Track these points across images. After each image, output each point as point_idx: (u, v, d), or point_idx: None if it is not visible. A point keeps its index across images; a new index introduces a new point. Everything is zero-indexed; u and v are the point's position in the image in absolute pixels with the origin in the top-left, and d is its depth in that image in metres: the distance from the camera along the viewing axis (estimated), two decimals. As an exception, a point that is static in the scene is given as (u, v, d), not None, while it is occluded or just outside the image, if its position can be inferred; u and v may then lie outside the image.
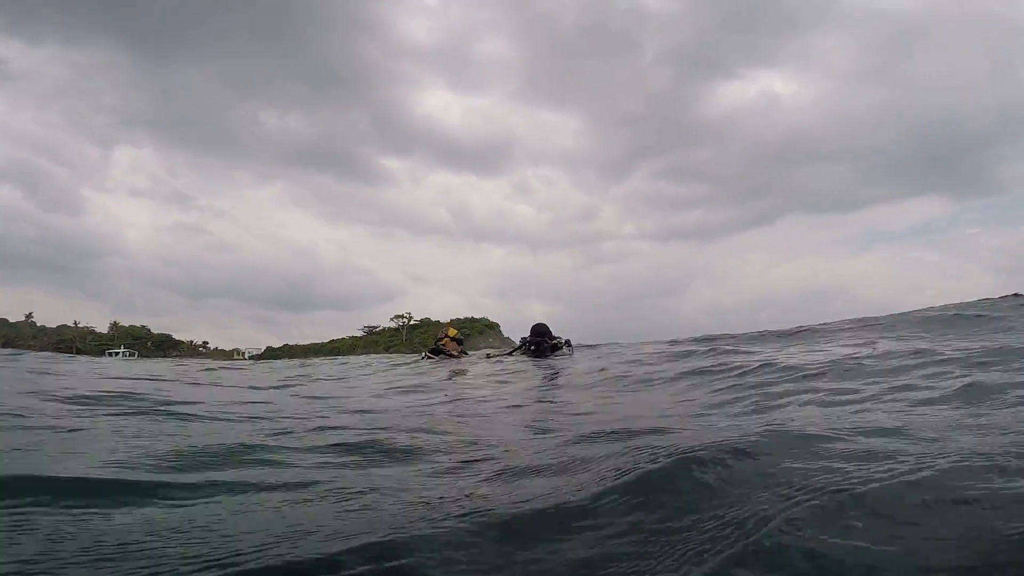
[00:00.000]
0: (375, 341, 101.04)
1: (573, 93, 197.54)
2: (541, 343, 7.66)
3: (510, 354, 8.06)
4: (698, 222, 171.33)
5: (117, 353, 75.97)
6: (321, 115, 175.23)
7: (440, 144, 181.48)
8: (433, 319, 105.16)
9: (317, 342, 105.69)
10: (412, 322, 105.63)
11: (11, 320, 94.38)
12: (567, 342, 7.89)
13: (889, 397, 2.63)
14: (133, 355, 76.07)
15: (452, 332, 8.22)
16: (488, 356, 8.38)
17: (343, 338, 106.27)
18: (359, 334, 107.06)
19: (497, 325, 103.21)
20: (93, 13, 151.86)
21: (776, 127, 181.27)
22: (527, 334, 8.09)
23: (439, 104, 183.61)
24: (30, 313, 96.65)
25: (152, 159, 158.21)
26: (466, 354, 8.37)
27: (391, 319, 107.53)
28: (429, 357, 8.04)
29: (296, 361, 12.62)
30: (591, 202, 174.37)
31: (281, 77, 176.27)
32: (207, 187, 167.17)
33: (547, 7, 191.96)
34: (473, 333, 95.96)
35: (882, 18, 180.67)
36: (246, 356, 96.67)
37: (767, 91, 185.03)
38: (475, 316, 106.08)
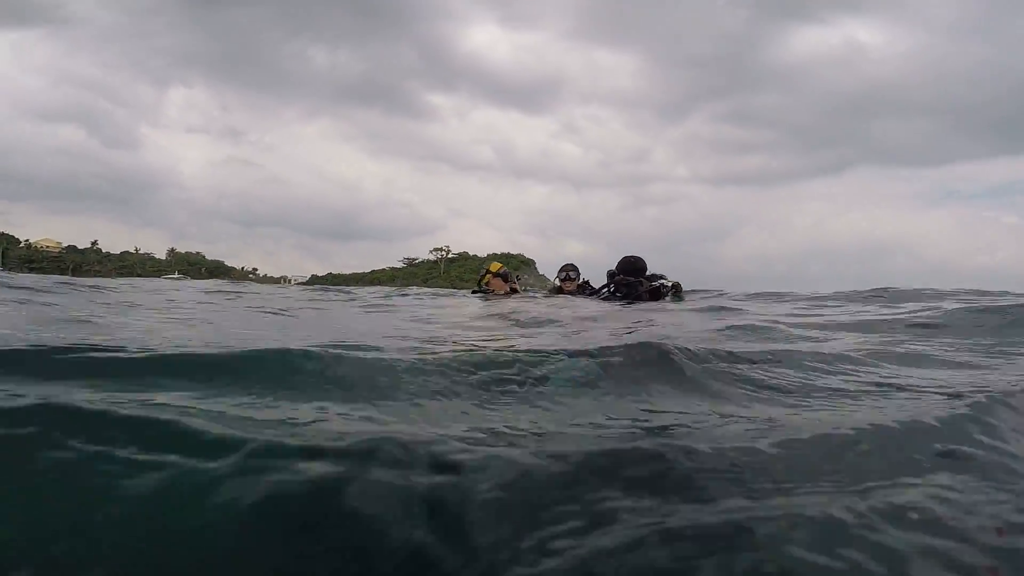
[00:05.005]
0: (413, 273, 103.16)
1: (634, 32, 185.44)
2: (633, 285, 5.30)
3: (589, 294, 6.09)
4: (758, 168, 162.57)
5: (172, 278, 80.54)
6: (369, 50, 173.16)
7: (487, 81, 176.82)
8: (471, 253, 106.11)
9: (359, 271, 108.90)
10: (450, 255, 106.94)
11: (79, 247, 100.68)
12: (674, 287, 5.50)
13: None
14: (184, 278, 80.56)
15: (495, 267, 6.87)
16: (551, 289, 6.72)
17: (384, 268, 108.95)
18: (399, 265, 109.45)
19: (533, 262, 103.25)
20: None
21: (858, 78, 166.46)
22: (560, 269, 6.53)
23: (487, 40, 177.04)
24: (95, 241, 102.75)
25: (204, 97, 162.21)
26: (516, 291, 6.88)
27: (430, 252, 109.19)
28: (476, 293, 6.99)
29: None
30: (644, 143, 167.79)
31: (329, 11, 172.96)
32: (258, 123, 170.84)
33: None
34: (508, 268, 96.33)
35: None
36: (292, 283, 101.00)
37: (851, 39, 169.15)
38: (512, 252, 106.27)
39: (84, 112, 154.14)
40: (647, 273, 5.55)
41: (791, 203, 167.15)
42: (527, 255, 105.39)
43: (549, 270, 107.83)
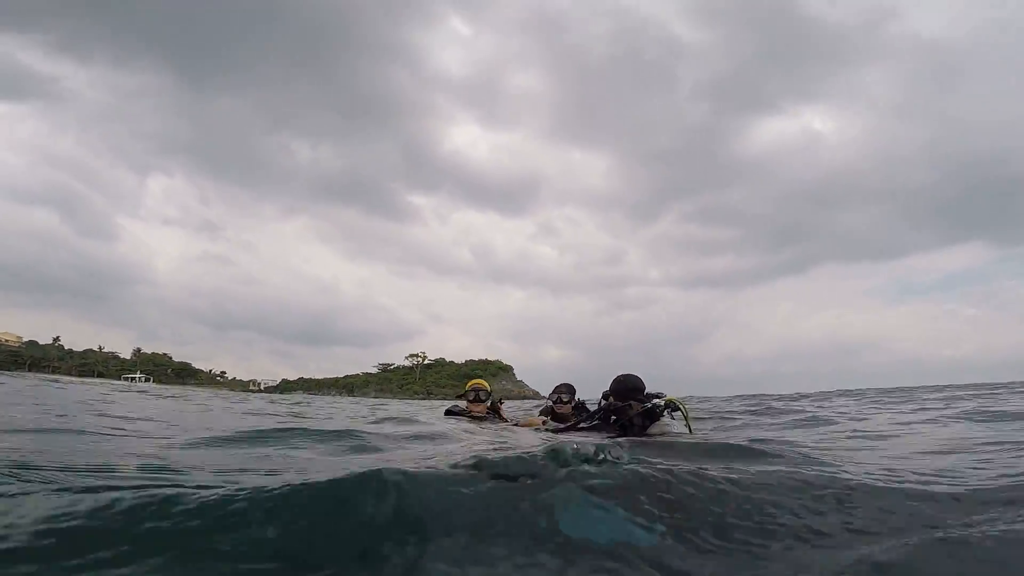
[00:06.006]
0: (388, 379, 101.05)
1: (603, 129, 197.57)
2: (622, 409, 4.08)
3: (575, 426, 4.62)
4: (727, 268, 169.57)
5: (133, 378, 77.38)
6: (351, 146, 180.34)
7: (467, 181, 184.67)
8: (448, 360, 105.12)
9: (331, 376, 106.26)
10: (426, 362, 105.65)
11: (40, 342, 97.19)
12: (667, 405, 4.06)
13: None
14: (148, 380, 77.39)
15: (471, 384, 6.02)
16: (538, 429, 5.07)
17: (356, 374, 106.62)
18: (373, 371, 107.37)
19: (511, 368, 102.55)
20: (142, 33, 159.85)
21: (816, 166, 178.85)
22: (552, 390, 5.73)
23: (468, 140, 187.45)
24: (57, 337, 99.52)
25: (183, 188, 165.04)
26: (500, 414, 5.94)
27: (406, 357, 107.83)
28: (451, 415, 6.12)
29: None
30: (617, 245, 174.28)
31: (314, 105, 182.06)
32: (236, 218, 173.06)
33: (579, 38, 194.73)
34: (486, 376, 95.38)
35: (927, 50, 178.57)
36: (261, 387, 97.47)
37: (808, 128, 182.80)
38: (489, 358, 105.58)
39: (61, 196, 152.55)
40: (645, 392, 4.37)
41: (760, 304, 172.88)
42: (505, 360, 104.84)
43: (527, 376, 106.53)
